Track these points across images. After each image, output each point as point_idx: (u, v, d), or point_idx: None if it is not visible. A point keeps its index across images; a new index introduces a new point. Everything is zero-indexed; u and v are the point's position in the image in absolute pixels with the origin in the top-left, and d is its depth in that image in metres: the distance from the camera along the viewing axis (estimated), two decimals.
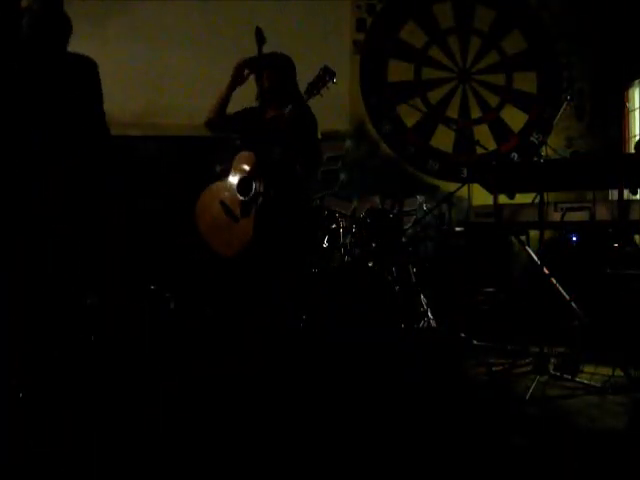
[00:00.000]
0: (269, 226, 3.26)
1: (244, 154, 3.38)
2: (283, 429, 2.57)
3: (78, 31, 5.49)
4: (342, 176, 5.60)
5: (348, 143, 5.60)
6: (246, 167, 3.33)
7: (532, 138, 5.65)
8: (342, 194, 5.59)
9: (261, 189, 3.26)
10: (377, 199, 5.50)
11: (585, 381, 3.27)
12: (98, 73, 2.93)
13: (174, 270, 4.25)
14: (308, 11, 5.55)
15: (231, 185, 3.37)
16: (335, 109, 5.48)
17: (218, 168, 4.41)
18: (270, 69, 3.52)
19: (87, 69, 2.90)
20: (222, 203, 3.36)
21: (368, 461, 2.29)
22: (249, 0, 5.43)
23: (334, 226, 4.29)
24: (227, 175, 3.46)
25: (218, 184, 3.48)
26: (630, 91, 5.58)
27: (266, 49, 3.46)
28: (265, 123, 3.45)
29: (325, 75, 3.29)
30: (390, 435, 2.54)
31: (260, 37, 3.41)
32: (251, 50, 3.50)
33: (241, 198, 3.29)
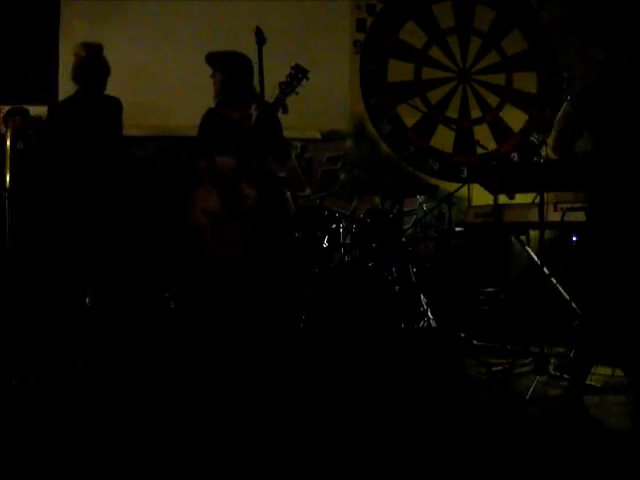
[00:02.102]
0: (261, 228, 3.26)
1: (223, 160, 3.35)
2: (282, 428, 2.57)
3: (78, 31, 5.52)
4: (342, 176, 5.60)
5: (348, 143, 5.60)
6: (228, 172, 3.31)
7: (532, 138, 5.65)
8: (342, 194, 5.59)
9: (249, 192, 3.26)
10: (377, 199, 5.50)
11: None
12: (122, 110, 3.75)
13: (174, 270, 4.24)
14: (308, 11, 5.55)
15: (214, 192, 3.32)
16: (335, 109, 5.48)
17: None
18: (223, 68, 3.54)
19: (115, 107, 3.73)
20: (206, 212, 3.31)
21: (368, 461, 2.29)
22: (249, 0, 5.43)
23: (334, 226, 4.29)
24: (203, 184, 3.40)
25: (197, 194, 3.41)
26: None
27: (266, 49, 3.46)
28: (233, 126, 3.46)
29: (298, 73, 3.34)
30: (389, 436, 2.54)
31: (260, 37, 3.41)
32: (251, 50, 3.50)
33: (228, 204, 3.27)
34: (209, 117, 3.61)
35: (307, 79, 3.34)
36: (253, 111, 3.32)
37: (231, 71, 3.54)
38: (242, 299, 3.30)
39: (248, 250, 3.25)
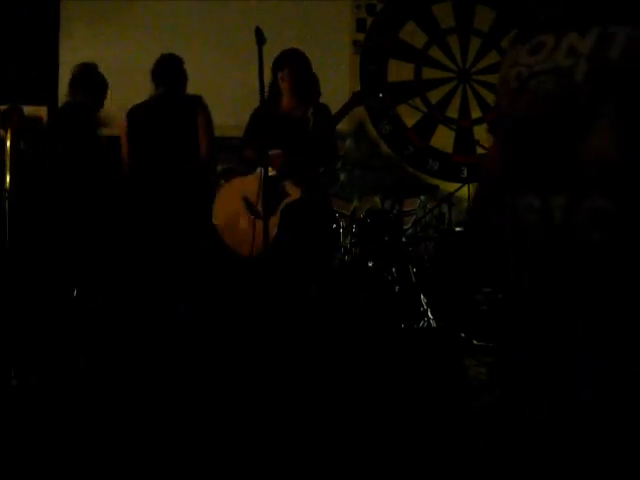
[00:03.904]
0: (295, 225, 3.26)
1: (277, 152, 3.34)
2: (281, 428, 2.57)
3: (79, 31, 5.52)
4: (342, 176, 5.60)
5: (348, 143, 5.60)
6: (277, 165, 3.31)
7: None
8: (342, 194, 5.59)
9: (294, 190, 3.27)
10: (377, 199, 5.50)
11: None
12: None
13: (176, 270, 4.24)
14: (308, 11, 5.55)
15: (258, 182, 3.30)
16: (335, 109, 5.47)
17: (219, 168, 4.41)
18: (295, 66, 3.57)
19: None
20: (245, 200, 3.32)
21: (368, 461, 2.29)
22: (250, 0, 5.44)
23: (334, 226, 4.29)
24: (251, 171, 3.41)
25: (242, 179, 3.43)
26: None
27: (266, 49, 3.46)
28: (292, 123, 3.47)
29: (356, 100, 3.56)
30: (389, 436, 2.54)
31: (260, 37, 3.40)
32: (251, 50, 3.50)
33: (268, 196, 3.26)
34: (263, 114, 3.57)
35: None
36: (310, 112, 3.38)
37: (304, 68, 3.57)
38: (259, 297, 3.26)
39: (271, 249, 3.21)
